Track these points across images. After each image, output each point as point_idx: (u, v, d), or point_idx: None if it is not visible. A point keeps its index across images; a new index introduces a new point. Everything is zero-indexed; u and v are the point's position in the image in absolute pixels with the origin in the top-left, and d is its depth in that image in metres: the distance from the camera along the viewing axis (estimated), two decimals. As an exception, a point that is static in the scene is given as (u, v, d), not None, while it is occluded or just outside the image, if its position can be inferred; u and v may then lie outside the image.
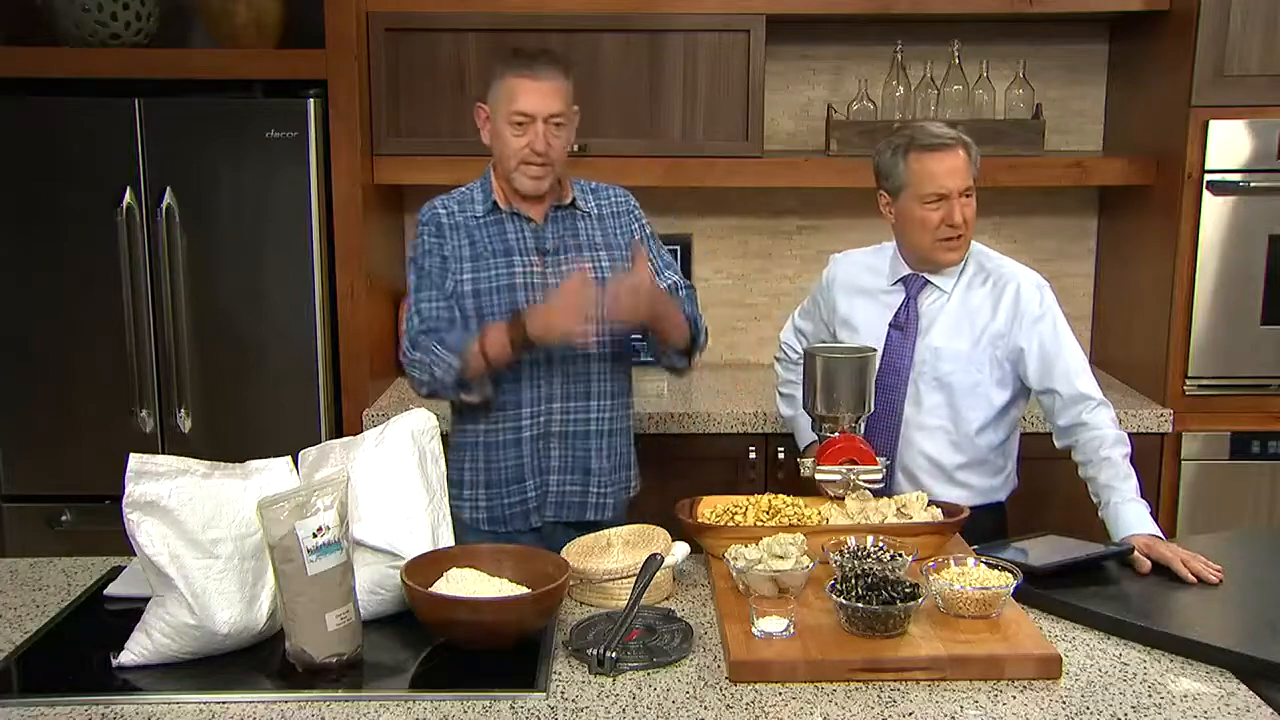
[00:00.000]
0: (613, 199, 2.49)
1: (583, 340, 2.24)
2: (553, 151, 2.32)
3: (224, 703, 1.66)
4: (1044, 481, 2.81)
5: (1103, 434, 2.25)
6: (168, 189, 3.04)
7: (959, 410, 2.38)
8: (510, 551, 1.98)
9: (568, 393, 2.40)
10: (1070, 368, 2.32)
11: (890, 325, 2.41)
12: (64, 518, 3.15)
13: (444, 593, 1.81)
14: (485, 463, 2.42)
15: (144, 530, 1.73)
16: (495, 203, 2.40)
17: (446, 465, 2.05)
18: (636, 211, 2.51)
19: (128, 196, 3.04)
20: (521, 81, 2.29)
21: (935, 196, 2.31)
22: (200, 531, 1.76)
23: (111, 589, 2.03)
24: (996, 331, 2.36)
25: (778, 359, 2.73)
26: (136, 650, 1.75)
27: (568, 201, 2.43)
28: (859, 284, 2.49)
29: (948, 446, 2.39)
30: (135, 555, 1.78)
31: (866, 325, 2.45)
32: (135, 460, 1.75)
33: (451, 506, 2.41)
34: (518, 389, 2.38)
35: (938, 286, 2.40)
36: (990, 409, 2.39)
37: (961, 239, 2.35)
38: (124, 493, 1.73)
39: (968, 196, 2.32)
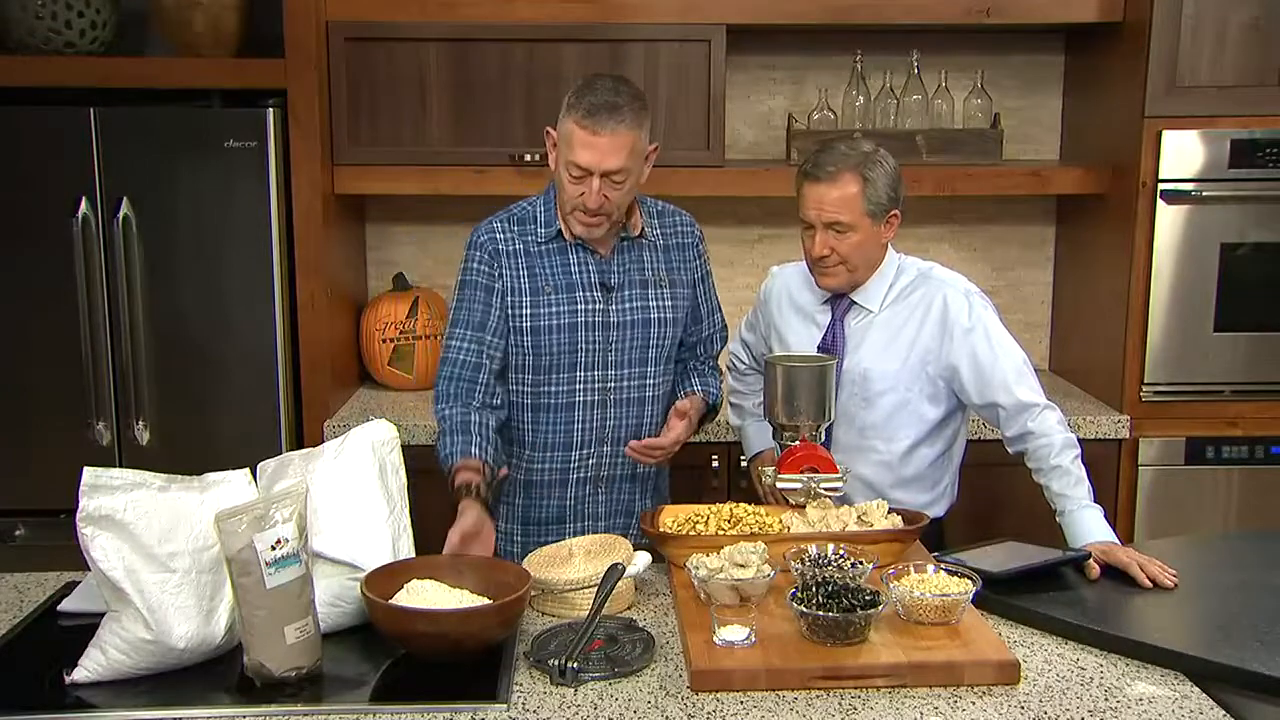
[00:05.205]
0: (678, 228, 2.40)
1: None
2: (607, 206, 2.20)
3: (180, 719, 1.65)
4: (998, 488, 2.84)
5: (1051, 440, 2.25)
6: (124, 199, 3.00)
7: (891, 429, 2.37)
8: (471, 562, 1.97)
9: (619, 435, 2.34)
10: (1008, 377, 2.29)
11: (818, 348, 2.39)
12: (18, 532, 3.11)
13: (404, 605, 1.80)
14: (524, 500, 2.37)
15: (98, 545, 1.71)
16: (559, 230, 2.29)
17: (409, 477, 2.03)
18: (700, 246, 2.43)
19: (84, 206, 3.00)
20: (581, 134, 2.15)
21: (806, 224, 2.32)
22: (157, 545, 1.74)
23: (65, 604, 2.00)
24: (925, 346, 2.34)
25: (728, 369, 2.74)
26: (90, 667, 1.72)
27: (636, 233, 2.33)
28: (794, 299, 2.48)
29: (879, 466, 2.38)
30: (90, 570, 1.76)
31: (798, 344, 2.43)
32: (89, 474, 1.73)
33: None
34: (570, 428, 2.31)
35: (863, 306, 2.38)
36: (923, 425, 2.37)
37: (837, 268, 2.32)
38: (78, 507, 1.71)
39: (837, 231, 2.27)
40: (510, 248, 2.29)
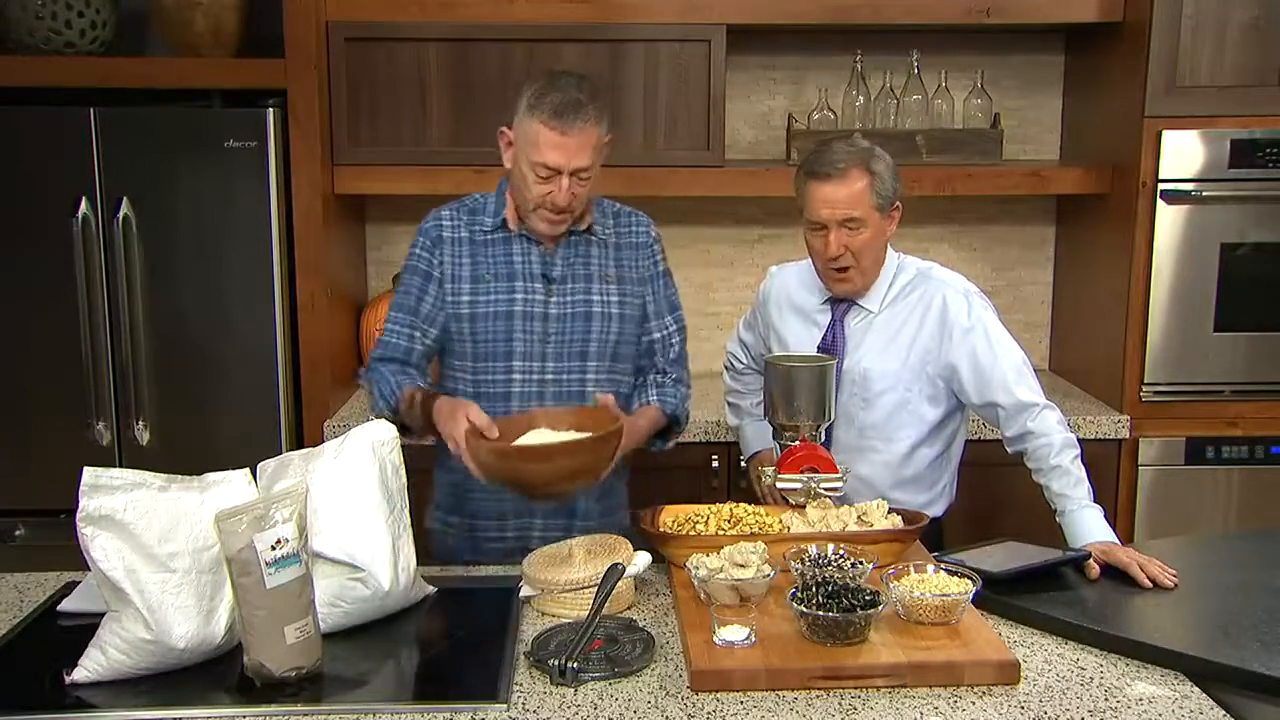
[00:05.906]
0: (633, 229, 2.37)
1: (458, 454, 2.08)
2: (575, 203, 2.20)
3: (180, 719, 1.65)
4: (998, 488, 2.84)
5: (1051, 440, 2.25)
6: (124, 199, 3.01)
7: (890, 429, 2.37)
8: (560, 414, 2.19)
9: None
10: (1008, 377, 2.29)
11: (818, 348, 2.39)
12: (18, 532, 3.11)
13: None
14: (465, 490, 2.32)
15: (98, 544, 1.71)
16: (505, 219, 2.30)
17: (409, 476, 2.03)
18: (656, 246, 2.39)
19: (84, 206, 3.00)
20: (549, 134, 2.14)
21: (817, 224, 2.30)
22: (157, 545, 1.74)
23: (65, 604, 2.00)
24: (925, 346, 2.34)
25: (725, 368, 2.73)
26: (90, 667, 1.72)
27: (584, 227, 2.31)
28: (793, 300, 2.48)
29: (880, 466, 2.38)
30: (90, 570, 1.76)
31: (797, 345, 2.43)
32: (89, 474, 1.73)
33: (432, 522, 2.39)
34: (506, 421, 2.25)
35: (863, 306, 2.38)
36: (923, 426, 2.37)
37: (850, 270, 2.31)
38: (78, 507, 1.71)
39: (850, 228, 2.27)
40: (455, 235, 2.31)
